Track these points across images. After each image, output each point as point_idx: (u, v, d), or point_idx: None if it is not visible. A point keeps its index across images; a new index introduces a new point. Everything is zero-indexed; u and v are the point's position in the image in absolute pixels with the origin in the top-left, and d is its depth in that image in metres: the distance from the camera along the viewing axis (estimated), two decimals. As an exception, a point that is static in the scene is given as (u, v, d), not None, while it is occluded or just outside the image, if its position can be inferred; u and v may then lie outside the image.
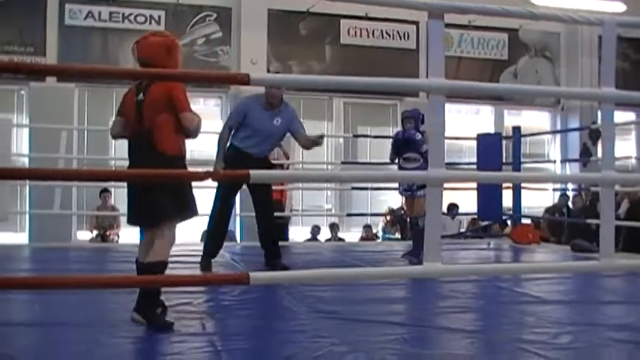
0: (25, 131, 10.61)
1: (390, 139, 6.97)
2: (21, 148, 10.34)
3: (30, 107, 10.97)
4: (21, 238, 10.52)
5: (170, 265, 5.79)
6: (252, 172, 2.39)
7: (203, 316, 3.88)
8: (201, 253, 5.85)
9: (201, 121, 3.74)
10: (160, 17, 11.46)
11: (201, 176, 2.34)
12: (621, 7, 12.45)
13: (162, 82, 3.64)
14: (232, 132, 5.78)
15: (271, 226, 6.07)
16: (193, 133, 3.70)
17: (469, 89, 2.83)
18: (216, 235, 5.88)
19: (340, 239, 10.74)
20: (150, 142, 3.59)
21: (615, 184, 3.03)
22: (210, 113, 12.26)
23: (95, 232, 10.13)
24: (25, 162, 10.20)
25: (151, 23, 11.37)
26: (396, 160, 6.70)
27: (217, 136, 5.80)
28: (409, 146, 6.45)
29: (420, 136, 6.39)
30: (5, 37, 10.89)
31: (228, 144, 5.76)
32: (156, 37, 3.82)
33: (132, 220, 3.86)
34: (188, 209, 3.73)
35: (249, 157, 5.62)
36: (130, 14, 11.35)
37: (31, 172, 3.75)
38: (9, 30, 10.90)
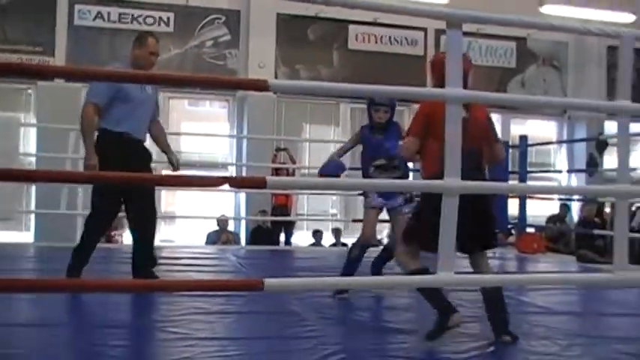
0: (33, 131, 10.62)
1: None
2: (28, 147, 10.35)
3: (38, 106, 10.99)
4: (26, 237, 10.52)
5: (177, 269, 5.85)
6: (269, 178, 2.38)
7: (213, 320, 3.89)
8: (194, 256, 5.68)
9: None
10: (169, 19, 11.48)
11: (218, 182, 2.33)
12: (630, 18, 12.46)
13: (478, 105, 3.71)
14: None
15: (152, 239, 4.94)
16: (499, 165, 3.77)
17: (486, 99, 2.83)
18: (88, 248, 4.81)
19: (344, 244, 10.73)
20: (478, 161, 3.57)
21: (630, 197, 3.02)
22: (216, 116, 12.28)
23: (100, 233, 10.11)
24: (32, 161, 10.21)
25: (160, 25, 11.40)
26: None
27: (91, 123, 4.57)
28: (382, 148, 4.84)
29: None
30: (15, 36, 10.95)
31: (101, 130, 4.66)
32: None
33: (479, 245, 3.68)
34: None
35: (134, 143, 4.67)
36: (140, 15, 11.37)
37: (41, 174, 3.71)
38: (18, 29, 10.95)
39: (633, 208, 10.17)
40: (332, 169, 4.65)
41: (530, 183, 9.02)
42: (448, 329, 3.52)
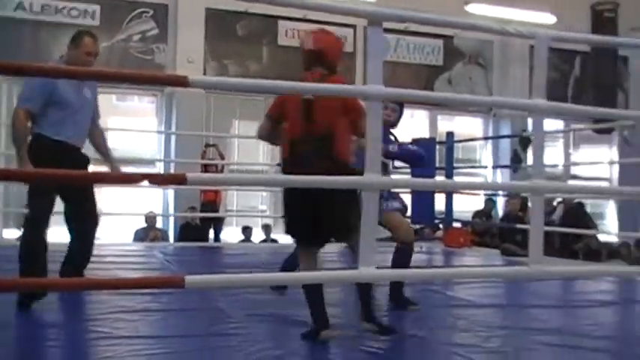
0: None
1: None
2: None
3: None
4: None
5: (103, 266, 5.74)
6: (189, 175, 2.35)
7: (137, 318, 3.84)
8: (121, 254, 5.32)
9: None
10: (94, 12, 11.22)
11: (138, 179, 2.29)
12: (552, 19, 12.85)
13: (336, 79, 3.43)
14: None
15: (91, 243, 4.59)
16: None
17: (406, 96, 2.88)
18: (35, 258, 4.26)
19: (274, 240, 10.73)
20: (330, 148, 3.31)
21: (544, 193, 3.11)
22: (144, 111, 12.09)
23: (22, 231, 9.82)
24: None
25: (85, 18, 11.14)
26: None
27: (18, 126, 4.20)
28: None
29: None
30: None
31: (34, 135, 4.29)
32: (332, 35, 3.67)
33: (321, 236, 3.51)
34: None
35: (71, 151, 4.35)
36: (64, 7, 11.07)
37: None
38: None
39: (555, 203, 10.51)
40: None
41: (456, 179, 9.19)
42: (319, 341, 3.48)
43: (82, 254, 4.54)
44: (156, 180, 2.47)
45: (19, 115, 4.20)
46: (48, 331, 3.67)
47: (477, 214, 11.47)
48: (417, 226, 10.34)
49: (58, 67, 3.81)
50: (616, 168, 14.47)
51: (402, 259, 4.44)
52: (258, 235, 11.00)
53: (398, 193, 4.79)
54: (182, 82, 2.47)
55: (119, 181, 2.93)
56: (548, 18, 12.85)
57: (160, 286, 3.12)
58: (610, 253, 9.48)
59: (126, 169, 9.96)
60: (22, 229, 4.46)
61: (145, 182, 2.40)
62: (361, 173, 2.93)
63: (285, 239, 11.14)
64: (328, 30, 3.53)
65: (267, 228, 10.94)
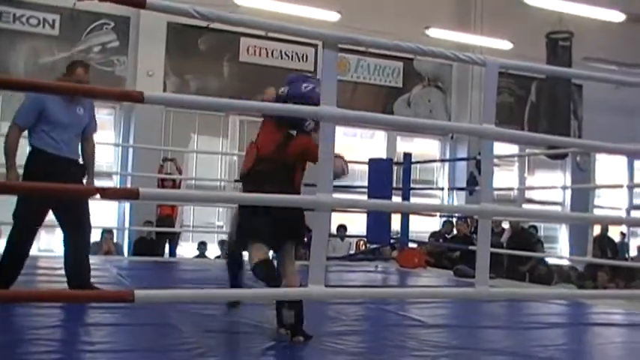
0: None
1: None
2: None
3: None
4: None
5: (55, 279, 5.65)
6: (142, 190, 2.36)
7: (85, 331, 3.80)
8: None
9: None
10: (54, 21, 11.11)
11: (91, 192, 2.29)
12: (508, 46, 13.12)
13: (302, 139, 3.81)
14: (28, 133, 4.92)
15: (83, 254, 5.05)
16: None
17: (359, 118, 2.93)
18: (14, 264, 4.87)
19: (230, 256, 10.68)
20: (290, 178, 3.82)
21: (492, 216, 3.19)
22: (102, 124, 11.96)
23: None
24: None
25: (44, 27, 11.03)
26: None
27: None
28: None
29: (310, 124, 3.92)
30: None
31: (30, 148, 4.92)
32: None
33: (282, 238, 3.87)
34: None
35: (60, 160, 4.86)
36: (22, 15, 10.95)
37: None
38: None
39: (505, 226, 10.69)
40: None
41: (413, 199, 9.31)
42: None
43: (74, 262, 4.95)
44: (108, 194, 2.47)
45: (11, 130, 4.85)
46: None
47: (433, 235, 11.60)
48: (374, 246, 10.44)
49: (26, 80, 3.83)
50: (569, 193, 14.77)
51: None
52: (213, 251, 10.96)
53: None
54: (137, 98, 2.49)
55: (72, 193, 2.93)
56: (504, 44, 13.13)
57: (109, 300, 3.11)
58: (560, 276, 9.65)
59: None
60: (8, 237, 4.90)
61: (97, 196, 2.40)
62: None
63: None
64: None
65: (223, 244, 10.90)
